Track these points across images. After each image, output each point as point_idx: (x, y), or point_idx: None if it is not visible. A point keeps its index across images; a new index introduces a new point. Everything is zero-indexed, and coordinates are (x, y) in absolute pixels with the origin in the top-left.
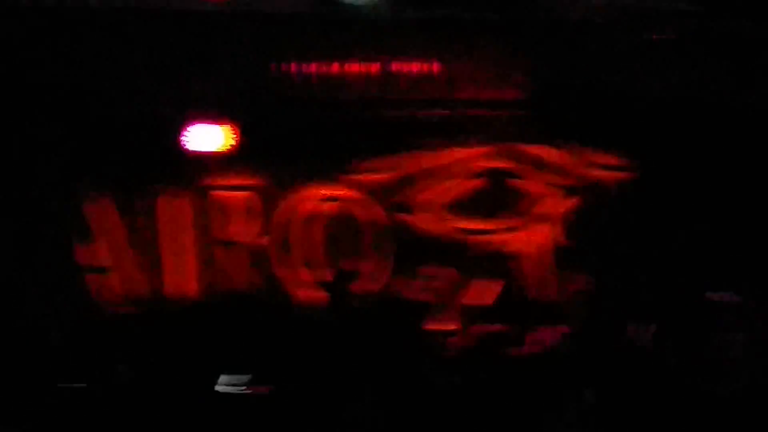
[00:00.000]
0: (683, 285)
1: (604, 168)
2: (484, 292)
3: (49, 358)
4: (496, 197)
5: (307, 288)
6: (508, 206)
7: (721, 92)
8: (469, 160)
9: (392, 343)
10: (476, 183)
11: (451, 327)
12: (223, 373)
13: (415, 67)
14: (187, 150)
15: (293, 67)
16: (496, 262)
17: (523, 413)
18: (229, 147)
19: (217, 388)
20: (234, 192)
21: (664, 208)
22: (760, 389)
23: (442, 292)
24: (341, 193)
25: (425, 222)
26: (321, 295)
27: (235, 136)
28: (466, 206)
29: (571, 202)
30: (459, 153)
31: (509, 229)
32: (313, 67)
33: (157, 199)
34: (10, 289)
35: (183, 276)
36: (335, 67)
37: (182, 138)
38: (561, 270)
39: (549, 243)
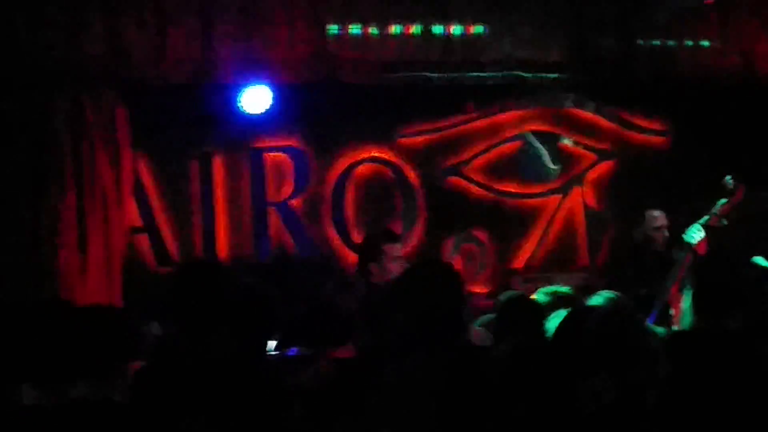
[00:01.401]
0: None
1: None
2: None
3: None
4: (537, 160)
5: (346, 248)
6: (550, 169)
7: None
8: (510, 123)
9: (428, 305)
10: (517, 146)
11: (488, 289)
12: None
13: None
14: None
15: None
16: (534, 225)
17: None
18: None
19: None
20: (279, 153)
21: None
22: None
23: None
24: (383, 155)
25: (464, 184)
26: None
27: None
28: (506, 169)
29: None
30: (500, 116)
31: (550, 192)
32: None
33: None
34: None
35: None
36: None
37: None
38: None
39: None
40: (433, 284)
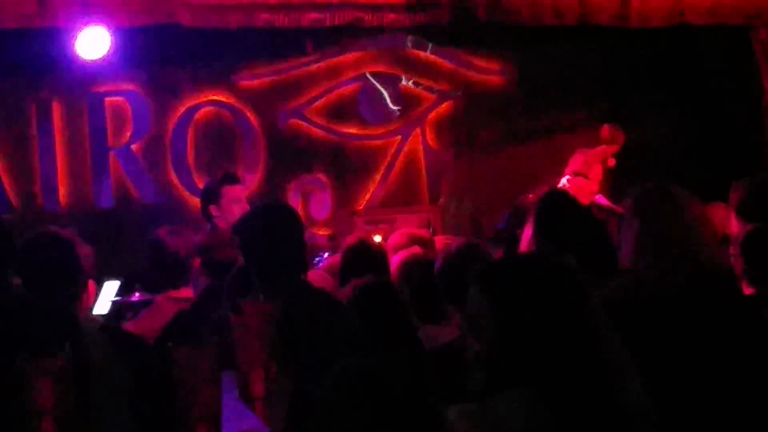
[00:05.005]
0: None
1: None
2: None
3: None
4: (377, 101)
5: (187, 192)
6: (390, 110)
7: None
8: (350, 65)
9: (268, 246)
10: (357, 87)
11: (329, 231)
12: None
13: None
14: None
15: None
16: (375, 166)
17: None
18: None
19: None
20: (118, 98)
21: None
22: None
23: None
24: (222, 98)
25: (304, 127)
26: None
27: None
28: (346, 111)
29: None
30: (340, 58)
31: (391, 133)
32: None
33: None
34: None
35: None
36: None
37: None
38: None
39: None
40: (273, 226)
